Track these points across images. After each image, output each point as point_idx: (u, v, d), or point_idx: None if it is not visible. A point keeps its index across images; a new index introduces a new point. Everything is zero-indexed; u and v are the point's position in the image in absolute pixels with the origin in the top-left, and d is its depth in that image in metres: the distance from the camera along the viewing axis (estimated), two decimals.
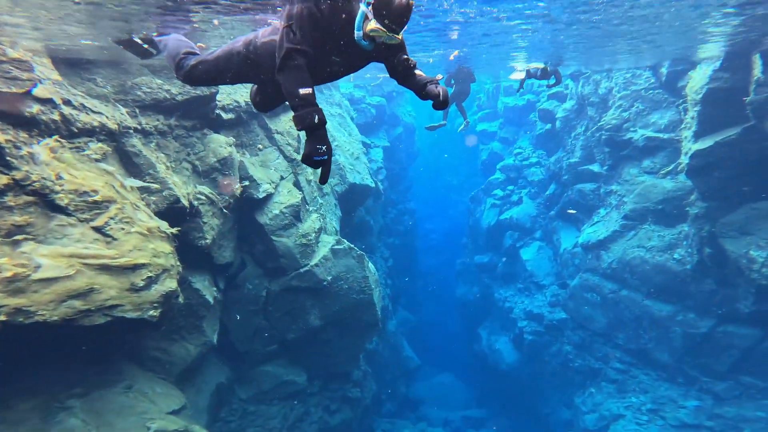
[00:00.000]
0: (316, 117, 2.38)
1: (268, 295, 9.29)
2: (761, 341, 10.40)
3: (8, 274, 3.85)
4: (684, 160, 10.56)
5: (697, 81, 10.44)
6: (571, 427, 13.82)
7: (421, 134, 31.29)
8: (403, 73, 2.93)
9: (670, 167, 12.14)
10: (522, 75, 12.74)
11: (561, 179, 16.21)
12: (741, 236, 9.70)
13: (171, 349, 6.52)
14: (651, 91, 12.79)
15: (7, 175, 4.04)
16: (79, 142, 4.91)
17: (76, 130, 4.95)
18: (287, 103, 2.59)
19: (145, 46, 4.74)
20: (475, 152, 28.11)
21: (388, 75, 3.06)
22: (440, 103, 2.72)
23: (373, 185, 13.90)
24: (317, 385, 10.73)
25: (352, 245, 10.37)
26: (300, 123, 2.38)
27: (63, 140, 4.81)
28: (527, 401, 16.14)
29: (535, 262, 16.61)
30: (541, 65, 10.12)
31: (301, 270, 9.41)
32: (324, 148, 2.38)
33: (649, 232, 12.24)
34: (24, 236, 4.14)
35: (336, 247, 10.11)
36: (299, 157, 10.28)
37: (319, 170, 2.53)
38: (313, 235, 9.70)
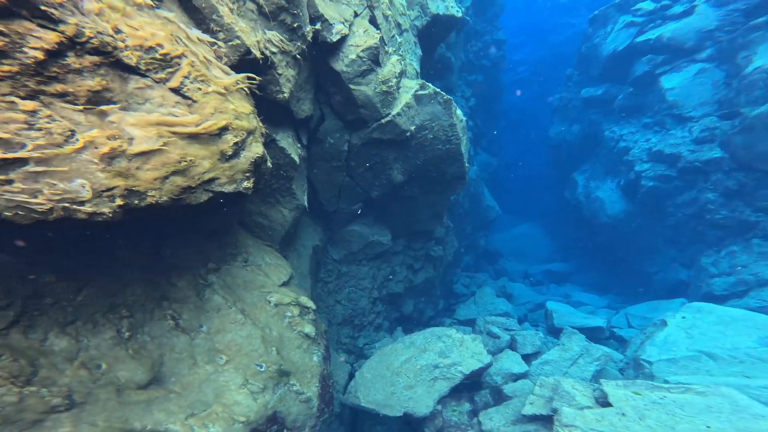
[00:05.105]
0: None
1: (350, 150, 9.00)
2: None
3: (105, 149, 3.40)
4: None
5: None
6: (686, 288, 12.26)
7: None
8: None
9: None
10: None
11: None
12: None
13: (270, 213, 6.60)
14: None
15: (55, 30, 3.21)
16: None
17: None
18: None
19: None
20: None
21: None
22: None
23: (460, 15, 11.73)
24: (401, 244, 10.95)
25: (438, 89, 9.28)
26: None
27: None
28: (627, 258, 14.56)
29: (684, 90, 13.63)
30: None
31: (383, 120, 8.76)
32: None
33: None
34: (109, 106, 3.56)
35: (420, 92, 9.11)
36: None
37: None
38: (394, 80, 8.69)
